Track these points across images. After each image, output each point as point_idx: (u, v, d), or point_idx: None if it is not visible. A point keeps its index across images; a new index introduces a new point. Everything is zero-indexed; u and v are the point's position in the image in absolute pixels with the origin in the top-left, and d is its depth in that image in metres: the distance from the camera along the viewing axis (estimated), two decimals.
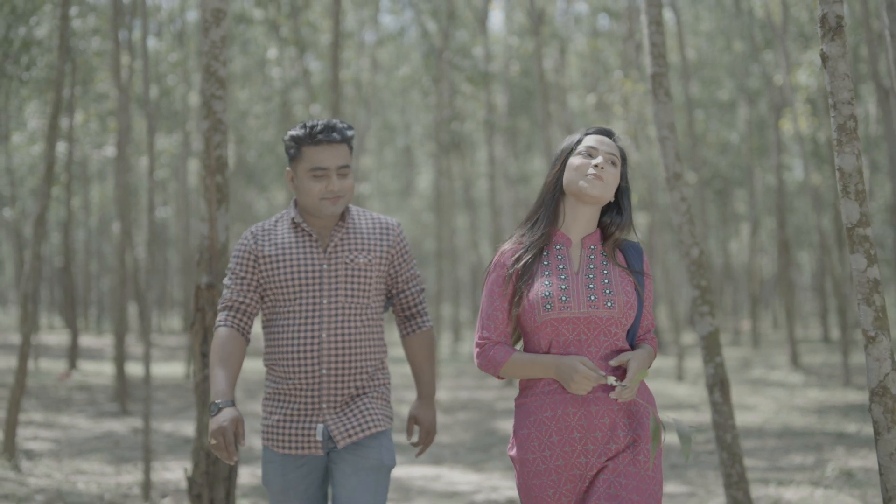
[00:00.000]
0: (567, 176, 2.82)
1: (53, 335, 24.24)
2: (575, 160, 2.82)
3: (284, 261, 3.24)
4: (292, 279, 3.23)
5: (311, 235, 3.28)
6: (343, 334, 3.21)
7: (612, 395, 2.67)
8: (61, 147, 16.19)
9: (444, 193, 21.55)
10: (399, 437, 9.05)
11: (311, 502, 3.30)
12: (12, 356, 17.65)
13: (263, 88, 21.76)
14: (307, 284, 3.22)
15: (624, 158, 2.89)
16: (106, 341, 23.78)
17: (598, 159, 2.79)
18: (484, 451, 8.54)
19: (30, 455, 8.03)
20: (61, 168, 16.96)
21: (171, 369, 16.41)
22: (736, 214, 30.15)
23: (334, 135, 3.22)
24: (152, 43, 21.47)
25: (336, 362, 3.20)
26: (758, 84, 20.01)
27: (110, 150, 18.92)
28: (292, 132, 3.28)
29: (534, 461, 2.75)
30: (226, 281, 3.31)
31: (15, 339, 23.18)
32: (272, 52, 19.72)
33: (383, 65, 25.20)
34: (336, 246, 3.26)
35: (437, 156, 18.47)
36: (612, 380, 2.65)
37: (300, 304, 3.21)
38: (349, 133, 3.27)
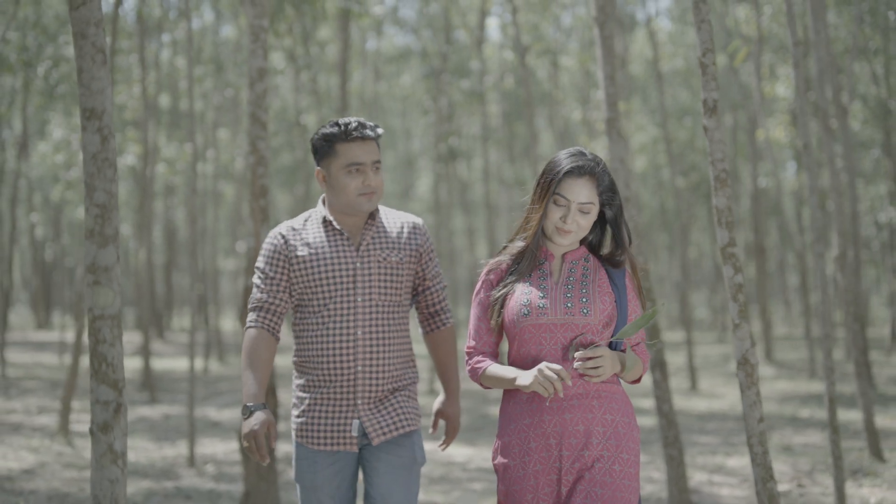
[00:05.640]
0: (545, 221, 2.91)
1: (69, 333, 25.23)
2: (551, 207, 2.87)
3: (318, 262, 3.24)
4: (327, 280, 3.23)
5: (342, 234, 3.28)
6: (377, 331, 3.24)
7: (576, 364, 2.76)
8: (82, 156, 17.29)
9: (442, 197, 22.68)
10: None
11: (341, 499, 3.30)
12: (25, 353, 18.92)
13: (271, 97, 22.82)
14: (341, 283, 3.22)
15: (610, 187, 2.91)
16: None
17: (568, 217, 2.85)
18: (477, 431, 9.67)
19: (80, 435, 9.18)
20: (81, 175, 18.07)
21: (186, 364, 17.53)
22: None
23: (367, 131, 3.25)
24: (167, 55, 22.59)
25: (371, 359, 3.23)
26: (737, 96, 21.12)
27: (129, 159, 20.01)
28: (324, 130, 3.26)
29: (514, 467, 2.83)
30: (255, 280, 3.31)
31: (32, 336, 24.34)
32: (279, 65, 20.79)
33: (384, 72, 26.27)
34: (368, 245, 3.27)
35: (436, 162, 19.61)
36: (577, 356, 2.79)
37: (335, 303, 3.22)
38: (379, 131, 3.31)
